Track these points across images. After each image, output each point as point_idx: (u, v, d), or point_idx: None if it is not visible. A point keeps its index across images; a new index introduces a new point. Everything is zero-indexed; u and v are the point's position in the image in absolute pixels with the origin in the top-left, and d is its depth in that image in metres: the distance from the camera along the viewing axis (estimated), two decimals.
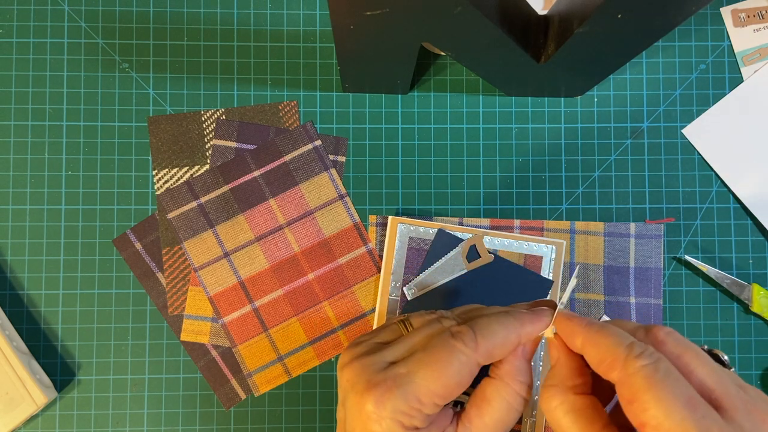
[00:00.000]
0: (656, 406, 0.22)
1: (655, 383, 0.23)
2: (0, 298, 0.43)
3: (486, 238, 0.43)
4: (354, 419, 0.27)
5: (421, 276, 0.43)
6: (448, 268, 0.43)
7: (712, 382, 0.24)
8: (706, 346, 0.31)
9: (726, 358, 0.31)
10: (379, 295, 0.43)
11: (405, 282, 0.43)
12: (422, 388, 0.27)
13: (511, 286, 0.43)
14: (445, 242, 0.43)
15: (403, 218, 0.43)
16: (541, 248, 0.43)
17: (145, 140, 0.44)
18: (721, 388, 0.23)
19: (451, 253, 0.43)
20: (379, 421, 0.26)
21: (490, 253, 0.43)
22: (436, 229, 0.43)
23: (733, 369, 0.31)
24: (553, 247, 0.43)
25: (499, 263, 0.43)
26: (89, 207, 0.43)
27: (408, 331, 0.31)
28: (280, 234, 0.43)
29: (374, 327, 0.43)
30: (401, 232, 0.43)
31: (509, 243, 0.43)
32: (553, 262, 0.43)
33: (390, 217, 0.43)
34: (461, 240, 0.43)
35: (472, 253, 0.43)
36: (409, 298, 0.42)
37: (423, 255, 0.43)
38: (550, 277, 0.43)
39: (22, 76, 0.44)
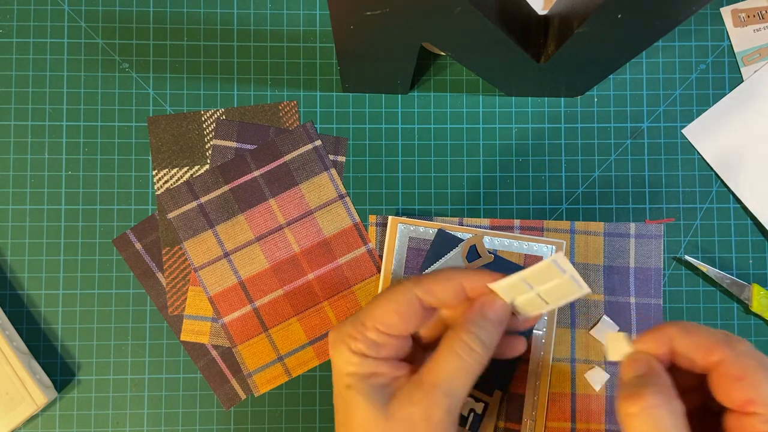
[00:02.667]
0: None
1: (765, 366, 0.24)
2: (0, 298, 0.43)
3: (486, 238, 0.43)
4: (333, 368, 0.29)
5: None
6: None
7: None
8: None
9: None
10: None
11: None
12: (366, 314, 0.29)
13: None
14: (445, 242, 0.43)
15: (403, 218, 0.43)
16: (541, 248, 0.43)
17: (145, 140, 0.44)
18: None
19: (451, 253, 0.43)
20: (333, 346, 0.29)
21: (490, 253, 0.43)
22: (436, 229, 0.43)
23: None
24: (553, 247, 0.43)
25: (499, 263, 0.43)
26: (89, 207, 0.43)
27: None
28: (280, 234, 0.43)
29: None
30: (401, 232, 0.43)
31: (509, 243, 0.43)
32: None
33: (390, 217, 0.43)
34: (461, 240, 0.43)
35: (472, 253, 0.43)
36: None
37: (423, 255, 0.43)
38: None
39: (22, 76, 0.44)
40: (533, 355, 0.42)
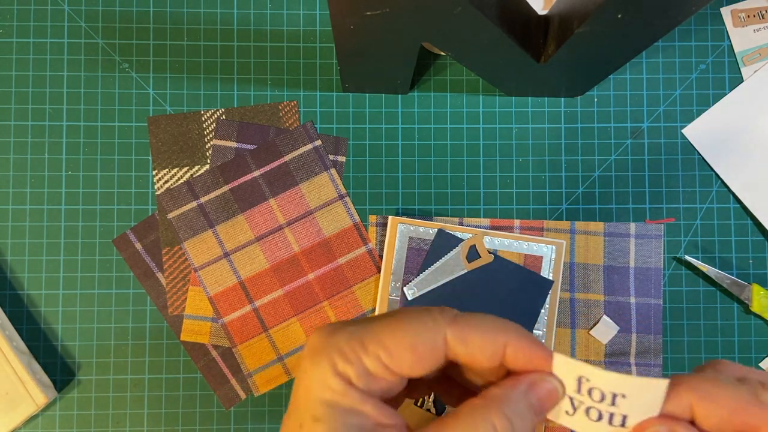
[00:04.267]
0: None
1: None
2: (0, 298, 0.43)
3: (486, 238, 0.43)
4: (297, 387, 0.23)
5: (422, 276, 0.43)
6: (448, 268, 0.43)
7: None
8: None
9: None
10: (379, 295, 0.43)
11: (405, 282, 0.43)
12: (370, 334, 0.22)
13: (511, 286, 0.43)
14: (445, 242, 0.43)
15: (403, 218, 0.43)
16: (541, 248, 0.43)
17: (145, 140, 0.44)
18: None
19: (451, 253, 0.43)
20: (312, 355, 0.22)
21: (490, 253, 0.43)
22: (436, 229, 0.43)
23: None
24: (553, 247, 0.43)
25: (499, 263, 0.43)
26: (89, 207, 0.43)
27: None
28: (280, 234, 0.43)
29: None
30: (401, 232, 0.43)
31: (509, 243, 0.43)
32: (553, 262, 0.43)
33: (390, 217, 0.43)
34: (461, 240, 0.43)
35: (472, 253, 0.43)
36: (409, 298, 0.42)
37: (423, 255, 0.43)
38: (550, 277, 0.43)
39: (22, 76, 0.44)
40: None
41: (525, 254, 0.43)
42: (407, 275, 0.43)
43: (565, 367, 0.21)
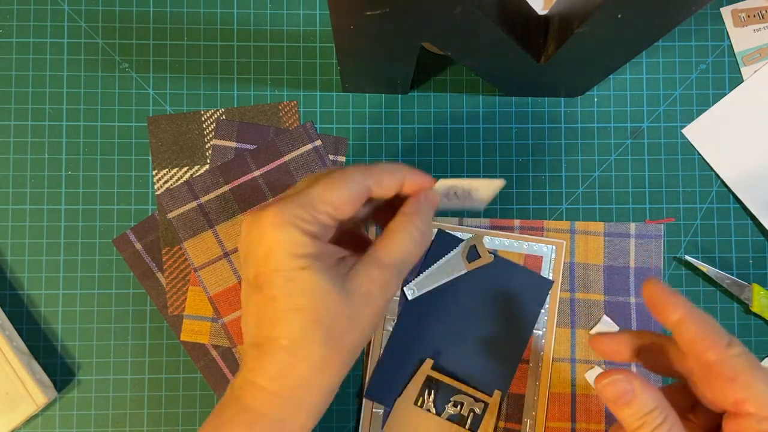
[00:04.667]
0: (761, 383, 0.25)
1: (758, 367, 0.26)
2: (0, 298, 0.43)
3: (486, 238, 0.43)
4: (255, 245, 0.28)
5: (422, 276, 0.43)
6: (449, 268, 0.43)
7: None
8: None
9: None
10: None
11: (405, 282, 0.43)
12: (316, 196, 0.28)
13: (511, 286, 0.43)
14: (445, 242, 0.43)
15: None
16: (541, 248, 0.43)
17: (145, 140, 0.44)
18: None
19: (451, 253, 0.43)
20: (281, 225, 0.27)
21: (490, 253, 0.43)
22: (436, 229, 0.43)
23: None
24: (553, 247, 0.43)
25: (499, 263, 0.43)
26: (89, 207, 0.43)
27: None
28: None
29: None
30: None
31: (509, 243, 0.43)
32: (553, 262, 0.43)
33: None
34: (461, 240, 0.43)
35: (472, 253, 0.43)
36: (409, 298, 0.42)
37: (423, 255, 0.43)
38: (550, 277, 0.43)
39: (22, 76, 0.44)
40: (533, 355, 0.42)
41: (525, 254, 0.43)
42: (407, 275, 0.43)
43: (444, 184, 0.32)
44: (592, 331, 0.43)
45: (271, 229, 0.27)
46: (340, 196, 0.29)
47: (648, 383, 0.28)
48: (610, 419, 0.43)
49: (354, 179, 0.29)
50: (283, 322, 0.27)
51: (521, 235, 0.43)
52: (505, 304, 0.43)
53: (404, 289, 0.43)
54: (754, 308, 0.43)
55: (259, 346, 0.28)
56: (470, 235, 0.43)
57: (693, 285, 0.44)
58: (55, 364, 0.43)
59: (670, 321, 0.28)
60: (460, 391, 0.41)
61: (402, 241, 0.30)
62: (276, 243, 0.27)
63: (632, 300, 0.43)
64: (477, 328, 0.42)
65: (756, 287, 0.43)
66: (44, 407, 0.42)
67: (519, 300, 0.43)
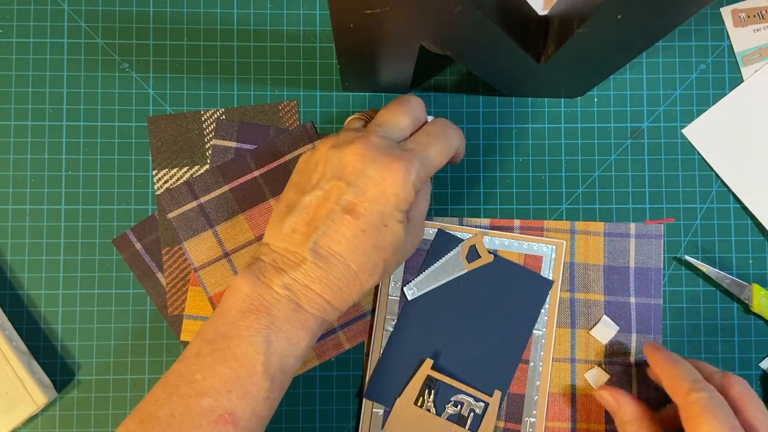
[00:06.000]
0: (706, 426, 0.31)
1: (708, 410, 0.31)
2: (0, 298, 0.43)
3: (486, 238, 0.43)
4: (369, 178, 0.32)
5: (422, 276, 0.43)
6: (448, 268, 0.43)
7: (758, 423, 0.32)
8: None
9: None
10: (380, 295, 0.43)
11: (405, 282, 0.43)
12: (434, 159, 0.34)
13: (511, 286, 0.43)
14: (445, 242, 0.43)
15: None
16: (542, 248, 0.43)
17: (145, 140, 0.44)
18: (763, 430, 0.32)
19: (451, 253, 0.43)
20: (406, 184, 0.32)
21: (490, 253, 0.43)
22: (436, 229, 0.43)
23: None
24: (554, 247, 0.43)
25: (499, 263, 0.43)
26: (89, 207, 0.43)
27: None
28: None
29: (374, 329, 0.43)
30: None
31: (509, 243, 0.43)
32: (553, 262, 0.43)
33: None
34: (461, 240, 0.43)
35: (472, 253, 0.43)
36: (409, 298, 0.42)
37: (423, 255, 0.43)
38: (551, 277, 0.43)
39: (22, 76, 0.44)
40: (533, 355, 0.42)
41: (525, 254, 0.43)
42: (407, 275, 0.43)
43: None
44: (592, 332, 0.43)
45: (397, 180, 0.32)
46: (447, 156, 0.35)
47: (631, 399, 0.37)
48: (610, 419, 0.43)
49: (454, 142, 0.36)
50: (361, 252, 0.32)
51: (521, 235, 0.43)
52: (504, 303, 0.43)
53: (404, 289, 0.43)
54: (754, 308, 0.43)
55: (325, 259, 0.32)
56: (470, 235, 0.43)
57: (693, 285, 0.44)
58: (55, 364, 0.43)
59: (655, 374, 0.38)
60: (460, 391, 0.41)
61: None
62: (394, 194, 0.32)
63: (632, 300, 0.43)
64: (477, 327, 0.42)
65: (756, 287, 0.43)
66: (44, 407, 0.42)
67: (519, 300, 0.43)
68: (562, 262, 0.43)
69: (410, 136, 0.35)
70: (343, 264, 0.32)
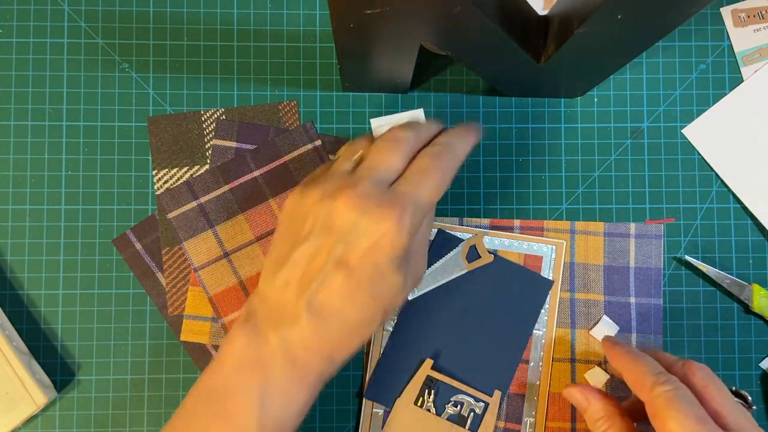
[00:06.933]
0: (673, 420, 0.30)
1: (673, 403, 0.31)
2: (0, 298, 0.43)
3: (486, 238, 0.43)
4: (368, 237, 0.30)
5: None
6: (448, 269, 0.43)
7: (725, 411, 0.32)
8: (734, 387, 0.41)
9: (750, 399, 0.39)
10: None
11: None
12: (427, 200, 0.32)
13: (511, 286, 0.43)
14: (445, 242, 0.43)
15: None
16: (542, 248, 0.43)
17: (145, 140, 0.44)
18: (731, 416, 0.31)
19: (451, 253, 0.43)
20: (400, 233, 0.30)
21: (490, 252, 0.43)
22: (436, 230, 0.43)
23: (754, 407, 0.40)
24: (554, 247, 0.43)
25: (499, 263, 0.43)
26: (89, 207, 0.43)
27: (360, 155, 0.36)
28: None
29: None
30: None
31: (509, 243, 0.43)
32: (553, 262, 0.43)
33: None
34: (461, 240, 0.43)
35: (472, 253, 0.43)
36: (409, 298, 0.42)
37: None
38: (551, 277, 0.43)
39: (22, 76, 0.44)
40: (533, 355, 0.42)
41: (525, 254, 0.43)
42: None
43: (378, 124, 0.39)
44: (592, 332, 0.43)
45: (390, 229, 0.30)
46: (442, 191, 0.33)
47: (601, 397, 0.37)
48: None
49: (450, 169, 0.34)
50: (358, 305, 0.31)
51: (521, 235, 0.43)
52: (504, 304, 0.43)
53: None
54: (754, 308, 0.43)
55: (321, 314, 0.31)
56: (470, 235, 0.43)
57: (693, 285, 0.44)
58: (55, 364, 0.43)
59: (616, 371, 0.37)
60: (460, 391, 0.41)
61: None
62: (388, 245, 0.30)
63: (632, 300, 0.43)
64: (477, 328, 0.42)
65: (756, 287, 0.43)
66: (44, 407, 0.42)
67: (519, 300, 0.43)
68: (562, 262, 0.43)
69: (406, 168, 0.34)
70: (339, 318, 0.31)
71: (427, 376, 0.41)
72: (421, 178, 0.32)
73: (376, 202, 0.31)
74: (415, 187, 0.32)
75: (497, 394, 0.42)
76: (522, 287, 0.43)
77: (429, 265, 0.43)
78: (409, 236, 0.31)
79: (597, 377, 0.42)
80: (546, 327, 0.43)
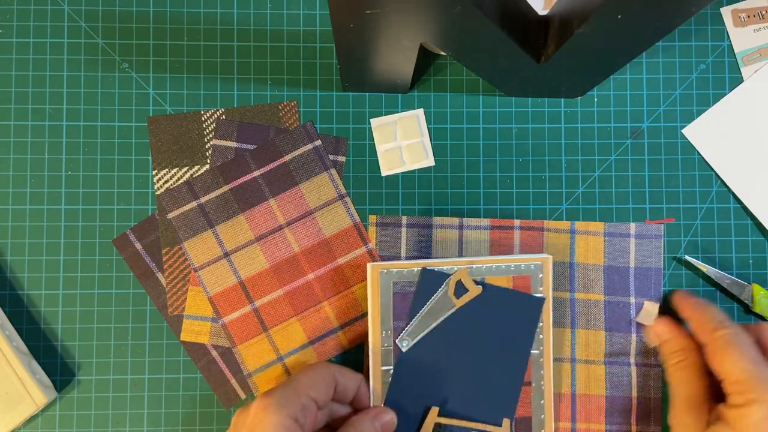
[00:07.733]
0: (729, 360, 0.35)
1: (730, 344, 0.35)
2: (0, 298, 0.43)
3: (471, 268, 0.41)
4: (240, 426, 0.34)
5: (413, 324, 0.41)
6: (438, 309, 0.41)
7: None
8: None
9: None
10: (371, 346, 0.40)
11: (395, 328, 0.41)
12: (296, 382, 0.35)
13: (504, 312, 0.41)
14: (430, 281, 0.41)
15: (383, 263, 0.41)
16: (529, 267, 0.41)
17: (145, 140, 0.44)
18: None
19: (438, 292, 0.41)
20: (272, 410, 0.33)
21: (477, 283, 0.41)
22: (420, 269, 0.41)
23: None
24: (540, 263, 0.41)
25: (488, 292, 0.41)
26: (89, 207, 0.43)
27: None
28: (280, 234, 0.43)
29: (371, 382, 0.40)
30: (383, 280, 0.41)
31: (496, 267, 0.41)
32: (541, 279, 0.41)
33: (369, 265, 0.40)
34: (447, 276, 0.41)
35: (460, 288, 0.41)
36: (404, 350, 0.40)
37: (409, 298, 0.41)
38: (541, 294, 0.41)
39: (22, 76, 0.44)
40: (534, 376, 0.41)
41: (513, 276, 0.41)
42: (396, 321, 0.41)
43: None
44: (639, 318, 0.43)
45: (263, 410, 0.32)
46: (314, 379, 0.35)
47: (681, 333, 0.40)
48: (611, 419, 0.43)
49: (322, 366, 0.37)
50: None
51: (504, 257, 0.41)
52: (500, 331, 0.41)
53: (396, 341, 0.41)
54: (755, 308, 0.43)
55: None
56: (455, 268, 0.41)
57: (693, 285, 0.44)
58: (55, 364, 0.43)
59: (685, 318, 0.40)
60: (470, 430, 0.40)
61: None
62: (265, 423, 0.32)
63: (632, 300, 0.43)
64: (476, 361, 0.41)
65: (756, 287, 0.43)
66: (44, 407, 0.42)
67: (513, 324, 0.41)
68: (551, 278, 0.41)
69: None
70: None
71: (435, 423, 0.40)
72: (302, 371, 0.37)
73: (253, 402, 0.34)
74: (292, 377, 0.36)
75: (506, 422, 0.40)
76: (514, 311, 0.41)
77: (417, 309, 0.41)
78: (283, 408, 0.33)
79: (649, 313, 0.42)
80: (543, 345, 0.41)
